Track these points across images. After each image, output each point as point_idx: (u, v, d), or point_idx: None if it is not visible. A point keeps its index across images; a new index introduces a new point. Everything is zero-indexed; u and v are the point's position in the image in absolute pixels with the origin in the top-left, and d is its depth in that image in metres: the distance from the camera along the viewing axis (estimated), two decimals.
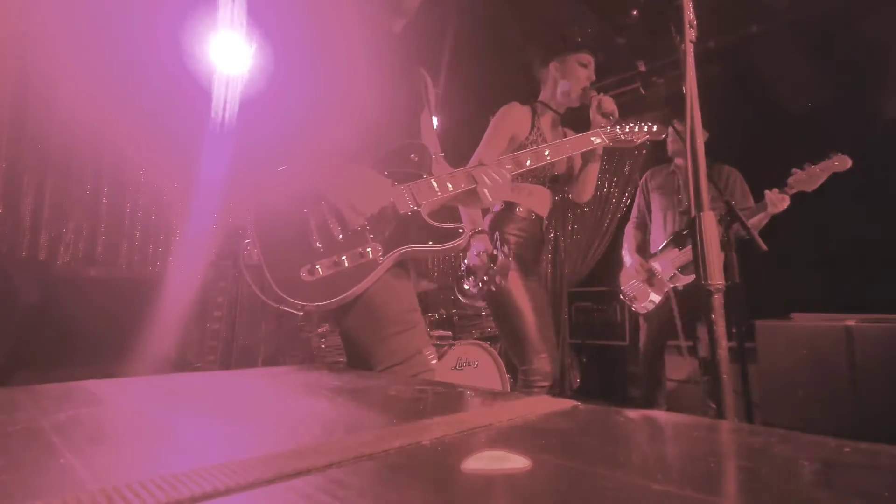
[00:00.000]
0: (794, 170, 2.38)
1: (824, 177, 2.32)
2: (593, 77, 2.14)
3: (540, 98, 2.23)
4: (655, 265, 2.71)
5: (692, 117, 1.00)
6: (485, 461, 0.40)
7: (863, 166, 2.98)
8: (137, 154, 3.35)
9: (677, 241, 2.67)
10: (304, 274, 1.15)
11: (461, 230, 1.29)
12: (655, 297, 2.69)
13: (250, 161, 1.35)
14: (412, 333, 1.26)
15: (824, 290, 3.30)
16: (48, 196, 3.01)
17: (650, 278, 2.71)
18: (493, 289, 2.15)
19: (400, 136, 1.37)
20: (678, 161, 2.78)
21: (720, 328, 0.92)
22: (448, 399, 0.73)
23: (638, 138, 1.73)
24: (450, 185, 1.33)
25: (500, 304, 2.04)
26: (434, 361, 1.28)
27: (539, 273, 2.28)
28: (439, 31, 3.18)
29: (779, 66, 3.51)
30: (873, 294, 2.95)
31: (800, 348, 2.51)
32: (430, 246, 1.27)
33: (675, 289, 2.65)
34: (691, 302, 2.61)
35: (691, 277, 2.58)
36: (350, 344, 1.27)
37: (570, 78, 2.13)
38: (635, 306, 2.78)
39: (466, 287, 2.72)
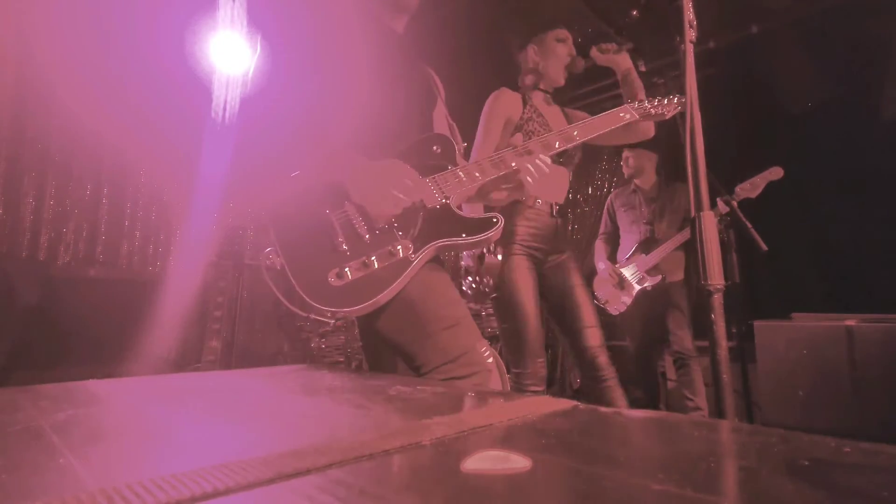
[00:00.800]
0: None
1: (763, 185, 2.65)
2: (573, 51, 2.05)
3: (525, 83, 2.15)
4: (624, 270, 2.99)
5: (692, 117, 1.00)
6: (485, 461, 0.40)
7: (863, 166, 2.99)
8: (137, 154, 3.35)
9: (643, 247, 2.96)
10: (332, 279, 1.09)
11: (495, 219, 1.21)
12: (626, 299, 2.94)
13: (252, 161, 1.33)
14: (460, 328, 1.18)
15: (824, 290, 3.30)
16: (48, 196, 3.01)
17: (620, 282, 2.97)
18: (485, 290, 2.12)
19: (410, 131, 1.32)
20: (637, 182, 3.12)
21: (720, 328, 0.92)
22: (448, 399, 0.73)
23: (668, 111, 1.63)
24: (478, 174, 1.27)
25: (503, 302, 1.96)
26: (490, 360, 1.18)
27: (563, 258, 2.08)
28: (439, 31, 3.17)
29: (778, 67, 3.51)
30: (873, 294, 2.95)
31: (800, 348, 2.51)
32: (464, 238, 1.20)
33: (644, 289, 2.90)
34: (661, 300, 2.85)
35: (658, 278, 2.87)
36: (385, 342, 1.19)
37: (550, 58, 2.06)
38: (609, 309, 3.01)
39: (463, 288, 2.63)
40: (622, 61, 1.93)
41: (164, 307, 2.78)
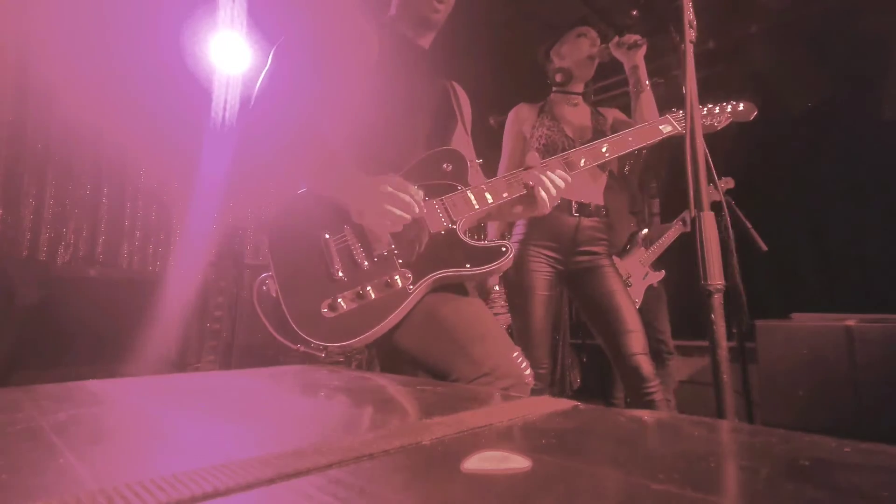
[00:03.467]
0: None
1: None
2: (598, 42, 2.01)
3: (554, 86, 2.13)
4: (626, 266, 2.77)
5: (692, 117, 1.00)
6: (485, 461, 0.40)
7: (863, 166, 2.99)
8: (137, 154, 3.35)
9: (644, 241, 2.79)
10: (325, 310, 1.02)
11: (505, 248, 1.13)
12: (636, 299, 2.71)
13: (254, 164, 1.31)
14: (491, 339, 1.12)
15: (824, 290, 3.30)
16: (48, 196, 3.01)
17: (626, 280, 2.73)
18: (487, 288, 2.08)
19: (421, 146, 1.26)
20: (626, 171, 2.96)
21: (720, 328, 0.92)
22: (448, 399, 0.73)
23: (720, 122, 1.42)
24: (489, 197, 1.18)
25: (511, 303, 2.00)
26: (528, 371, 1.11)
27: (593, 260, 1.97)
28: (461, 42, 3.16)
29: (778, 67, 3.51)
30: (873, 294, 2.96)
31: (800, 348, 2.51)
32: (468, 269, 1.11)
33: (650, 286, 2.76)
34: (650, 297, 2.74)
35: (661, 274, 2.76)
36: (409, 360, 1.13)
37: (573, 53, 2.03)
38: None
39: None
40: (633, 56, 1.88)
41: (164, 307, 2.78)
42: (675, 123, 1.38)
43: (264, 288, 1.08)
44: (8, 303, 2.32)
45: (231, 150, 3.34)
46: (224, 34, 3.23)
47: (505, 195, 1.20)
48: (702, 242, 0.95)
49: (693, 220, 0.97)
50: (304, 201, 1.14)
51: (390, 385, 0.87)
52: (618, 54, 1.92)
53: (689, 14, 1.07)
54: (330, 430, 0.58)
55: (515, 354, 1.12)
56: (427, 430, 0.49)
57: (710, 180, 1.01)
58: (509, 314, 2.04)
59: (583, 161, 1.30)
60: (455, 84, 1.47)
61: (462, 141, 1.41)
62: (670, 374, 2.71)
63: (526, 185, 1.22)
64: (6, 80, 2.82)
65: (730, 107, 1.43)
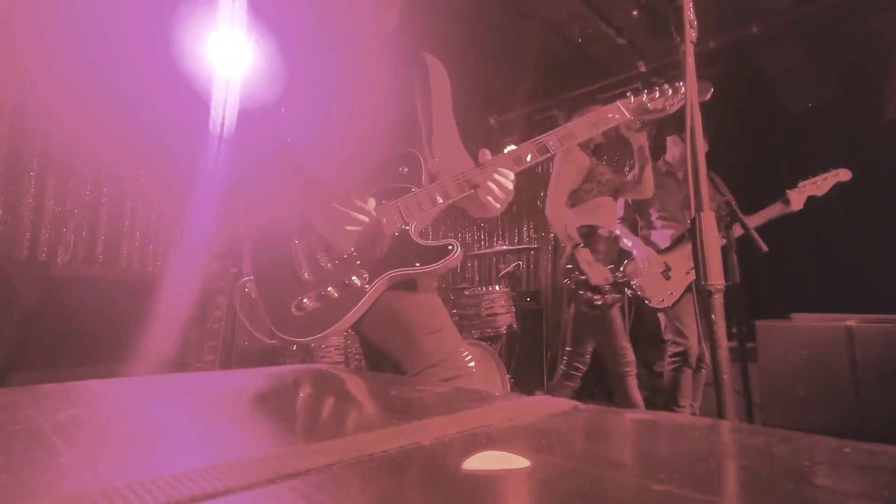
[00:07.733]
0: (800, 181, 2.64)
1: (829, 186, 2.67)
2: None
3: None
4: (669, 260, 2.68)
5: (692, 117, 1.00)
6: (485, 461, 0.40)
7: (863, 166, 2.98)
8: (138, 153, 3.35)
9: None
10: (293, 309, 1.14)
11: (451, 247, 1.19)
12: (674, 292, 2.64)
13: (246, 166, 1.35)
14: (443, 334, 1.21)
15: (824, 290, 3.30)
16: (48, 196, 3.01)
17: (666, 272, 2.67)
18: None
19: (388, 143, 1.28)
20: (669, 163, 2.95)
21: (720, 328, 0.92)
22: (448, 399, 0.73)
23: (672, 105, 1.37)
24: (439, 199, 1.22)
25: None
26: (472, 364, 1.22)
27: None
28: (432, 29, 3.15)
29: (779, 67, 3.51)
30: (873, 294, 2.95)
31: (800, 348, 2.51)
32: (417, 268, 1.18)
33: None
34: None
35: None
36: (375, 351, 1.22)
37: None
38: (652, 302, 2.66)
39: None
40: (639, 138, 2.31)
41: (164, 307, 2.78)
42: (624, 110, 1.33)
43: (246, 290, 1.18)
44: (8, 303, 2.31)
45: (231, 150, 3.34)
46: (224, 34, 3.23)
47: (455, 195, 1.24)
48: (702, 242, 0.95)
49: (693, 220, 0.96)
50: (279, 210, 1.25)
51: (389, 385, 0.87)
52: (627, 134, 2.31)
53: (690, 14, 1.07)
54: (330, 429, 0.58)
55: (462, 349, 1.22)
56: (427, 430, 0.49)
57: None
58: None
59: (529, 156, 1.27)
60: (428, 57, 1.43)
61: (441, 121, 1.39)
62: (701, 384, 2.63)
63: (473, 185, 1.23)
64: (7, 79, 2.82)
65: (683, 87, 1.29)
